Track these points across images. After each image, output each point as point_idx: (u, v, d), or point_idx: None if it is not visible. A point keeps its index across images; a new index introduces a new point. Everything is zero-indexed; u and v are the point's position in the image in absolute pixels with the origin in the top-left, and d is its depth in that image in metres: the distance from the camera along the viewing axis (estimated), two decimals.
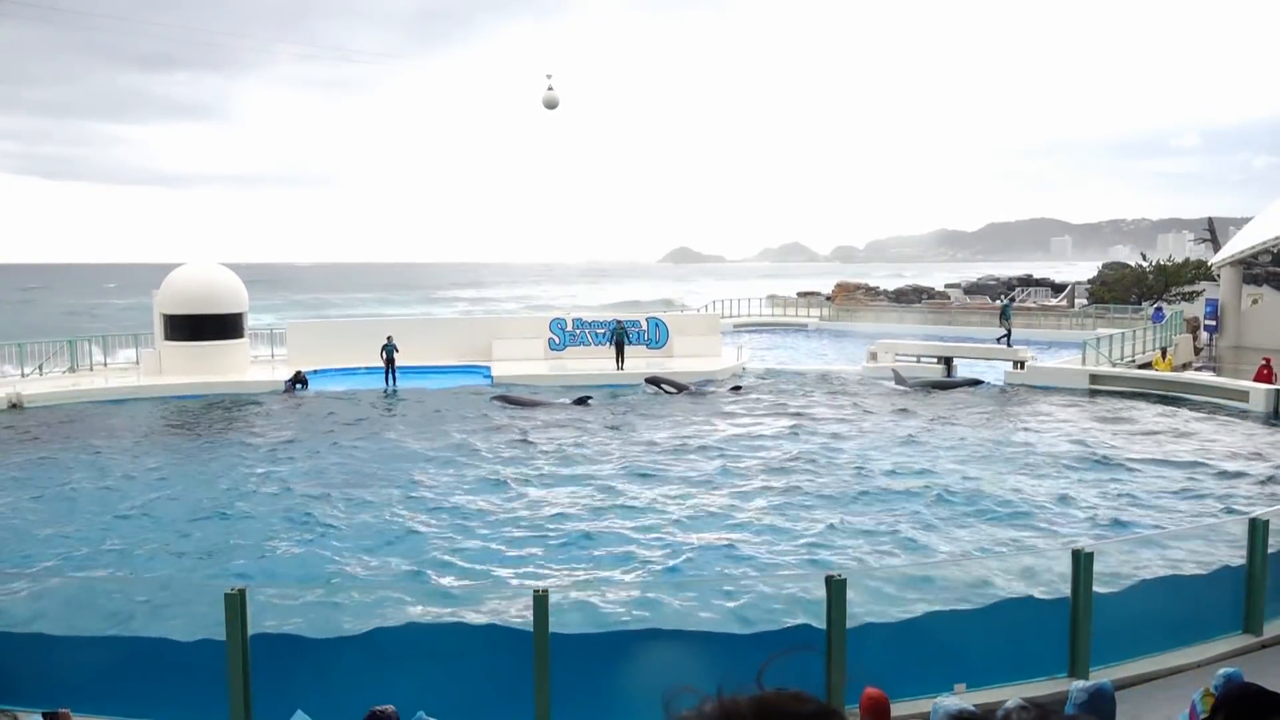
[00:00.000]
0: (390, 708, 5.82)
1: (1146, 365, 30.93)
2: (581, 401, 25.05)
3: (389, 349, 28.18)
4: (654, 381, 27.59)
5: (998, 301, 50.20)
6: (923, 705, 6.77)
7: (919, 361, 31.02)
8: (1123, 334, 32.97)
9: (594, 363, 30.93)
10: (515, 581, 11.97)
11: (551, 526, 14.39)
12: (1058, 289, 66.45)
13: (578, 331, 33.38)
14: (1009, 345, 31.38)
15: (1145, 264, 56.60)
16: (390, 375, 28.20)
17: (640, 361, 31.38)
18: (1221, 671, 5.00)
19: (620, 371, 29.71)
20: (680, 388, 27.19)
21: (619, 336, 30.90)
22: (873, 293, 69.57)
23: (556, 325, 33.48)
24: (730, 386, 27.81)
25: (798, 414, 23.78)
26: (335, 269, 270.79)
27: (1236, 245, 42.49)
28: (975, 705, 5.69)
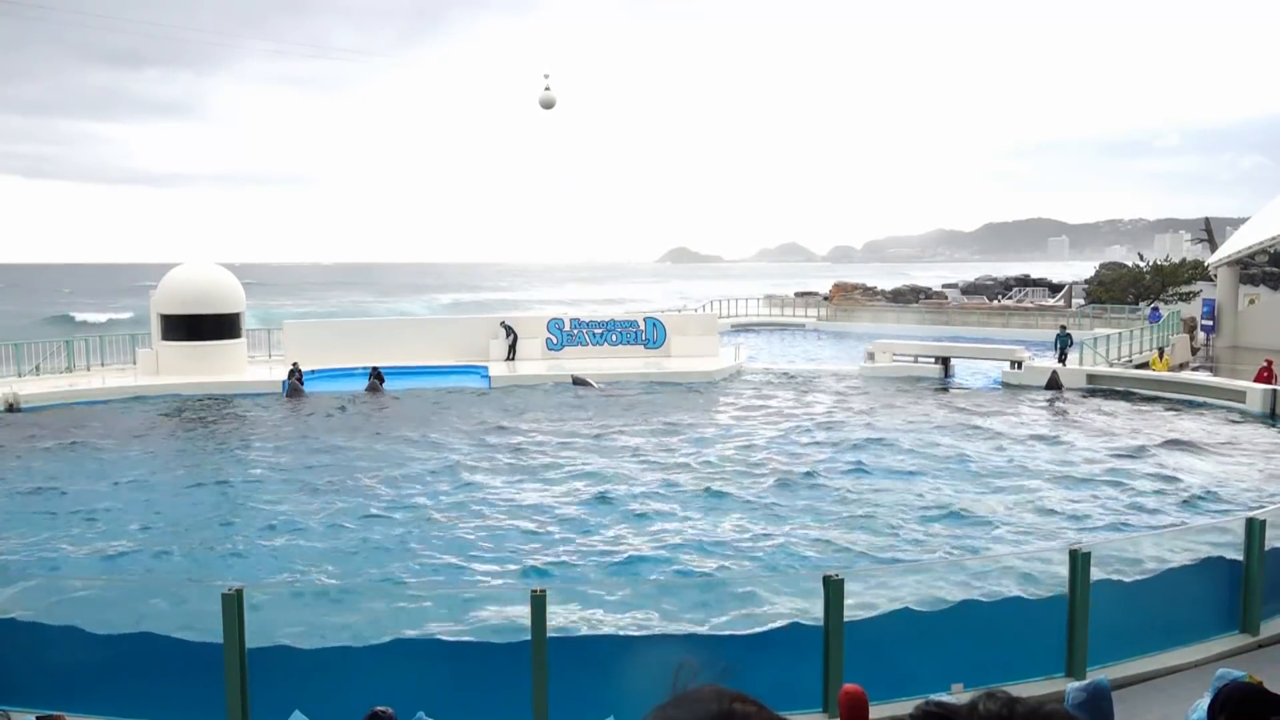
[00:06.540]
0: (389, 709, 5.81)
1: (1144, 365, 30.95)
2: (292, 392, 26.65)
3: (371, 380, 27.67)
4: (577, 381, 28.31)
5: (995, 302, 50.18)
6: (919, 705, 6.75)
7: (916, 361, 31.08)
8: (1120, 334, 33.00)
9: (592, 363, 30.91)
10: (512, 581, 11.96)
11: (547, 527, 14.37)
12: (1055, 289, 66.50)
13: (575, 332, 33.39)
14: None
15: (1142, 264, 56.62)
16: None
17: (638, 361, 31.69)
18: (1219, 672, 5.00)
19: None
20: (591, 385, 28.05)
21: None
22: (870, 293, 69.64)
23: (554, 325, 33.47)
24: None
25: (795, 413, 23.78)
26: (329, 270, 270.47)
27: (1233, 245, 42.58)
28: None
